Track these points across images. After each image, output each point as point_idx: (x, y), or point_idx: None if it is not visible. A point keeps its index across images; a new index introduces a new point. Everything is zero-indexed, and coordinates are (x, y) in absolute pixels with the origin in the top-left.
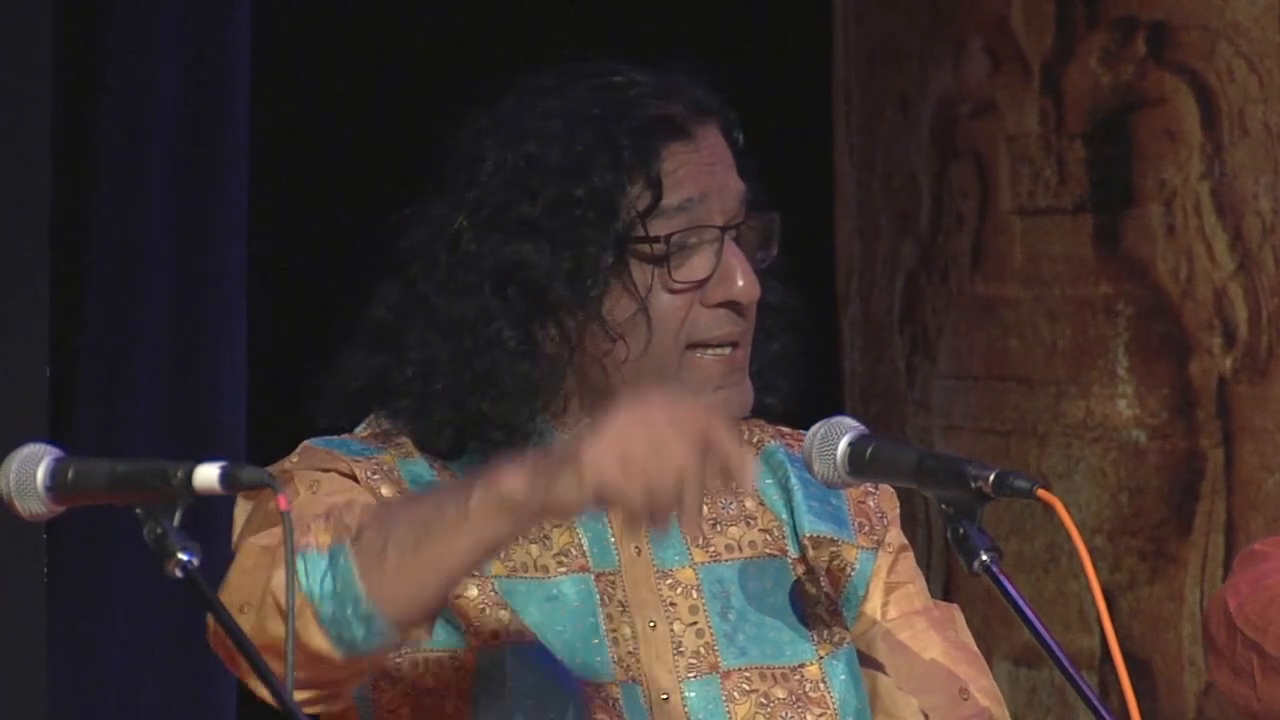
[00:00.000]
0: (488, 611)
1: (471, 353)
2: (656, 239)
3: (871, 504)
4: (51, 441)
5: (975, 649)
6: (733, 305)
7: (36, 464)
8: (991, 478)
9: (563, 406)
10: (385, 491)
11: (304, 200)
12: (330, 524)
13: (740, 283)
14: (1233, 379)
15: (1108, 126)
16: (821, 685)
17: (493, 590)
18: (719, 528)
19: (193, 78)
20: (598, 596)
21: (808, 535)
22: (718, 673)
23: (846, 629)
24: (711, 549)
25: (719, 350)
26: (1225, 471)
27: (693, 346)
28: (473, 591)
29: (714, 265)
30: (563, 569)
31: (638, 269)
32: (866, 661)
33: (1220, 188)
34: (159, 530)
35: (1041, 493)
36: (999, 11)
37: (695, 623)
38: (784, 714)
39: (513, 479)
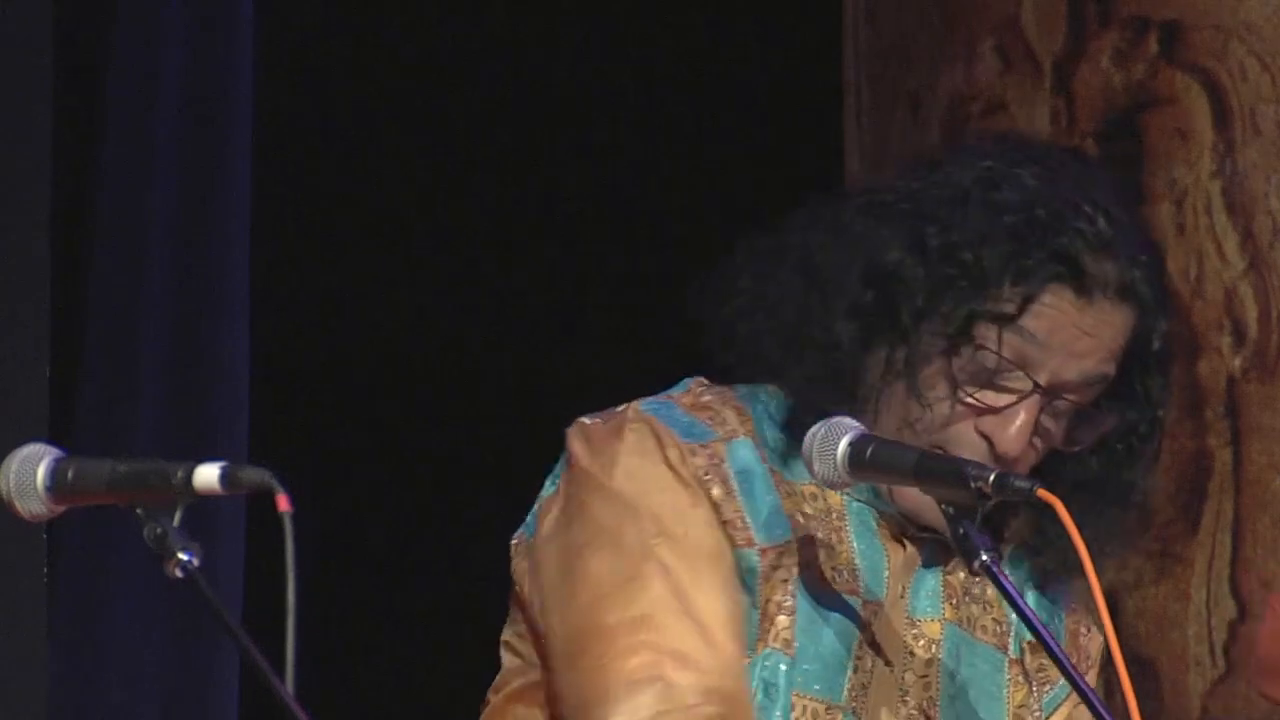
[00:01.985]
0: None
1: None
2: (987, 350)
3: (1083, 641)
4: (52, 441)
5: None
6: (992, 448)
7: (37, 464)
8: (991, 478)
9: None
10: (715, 493)
11: (306, 199)
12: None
13: (1005, 443)
14: (1242, 378)
15: (1119, 125)
16: None
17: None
18: (969, 598)
19: (195, 75)
20: (860, 620)
21: (1029, 640)
22: None
23: None
24: (960, 612)
25: None
26: (1233, 471)
27: (937, 446)
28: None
29: (1003, 406)
30: (839, 585)
31: (952, 355)
32: None
33: (1231, 187)
34: (159, 530)
35: (1041, 492)
36: (1010, 11)
37: (926, 676)
38: None
39: None
